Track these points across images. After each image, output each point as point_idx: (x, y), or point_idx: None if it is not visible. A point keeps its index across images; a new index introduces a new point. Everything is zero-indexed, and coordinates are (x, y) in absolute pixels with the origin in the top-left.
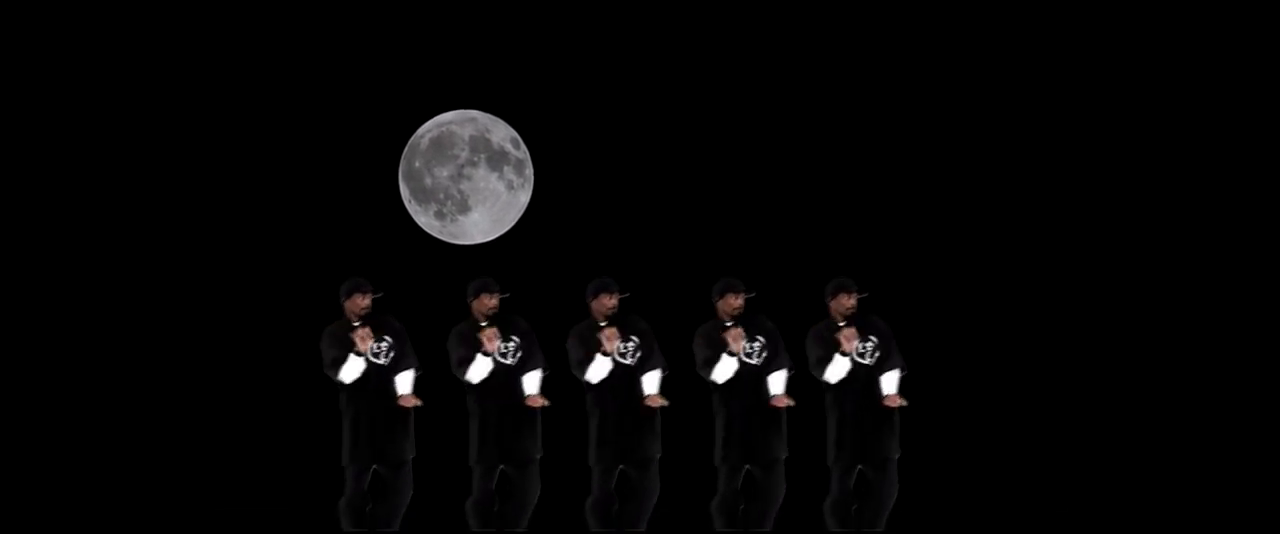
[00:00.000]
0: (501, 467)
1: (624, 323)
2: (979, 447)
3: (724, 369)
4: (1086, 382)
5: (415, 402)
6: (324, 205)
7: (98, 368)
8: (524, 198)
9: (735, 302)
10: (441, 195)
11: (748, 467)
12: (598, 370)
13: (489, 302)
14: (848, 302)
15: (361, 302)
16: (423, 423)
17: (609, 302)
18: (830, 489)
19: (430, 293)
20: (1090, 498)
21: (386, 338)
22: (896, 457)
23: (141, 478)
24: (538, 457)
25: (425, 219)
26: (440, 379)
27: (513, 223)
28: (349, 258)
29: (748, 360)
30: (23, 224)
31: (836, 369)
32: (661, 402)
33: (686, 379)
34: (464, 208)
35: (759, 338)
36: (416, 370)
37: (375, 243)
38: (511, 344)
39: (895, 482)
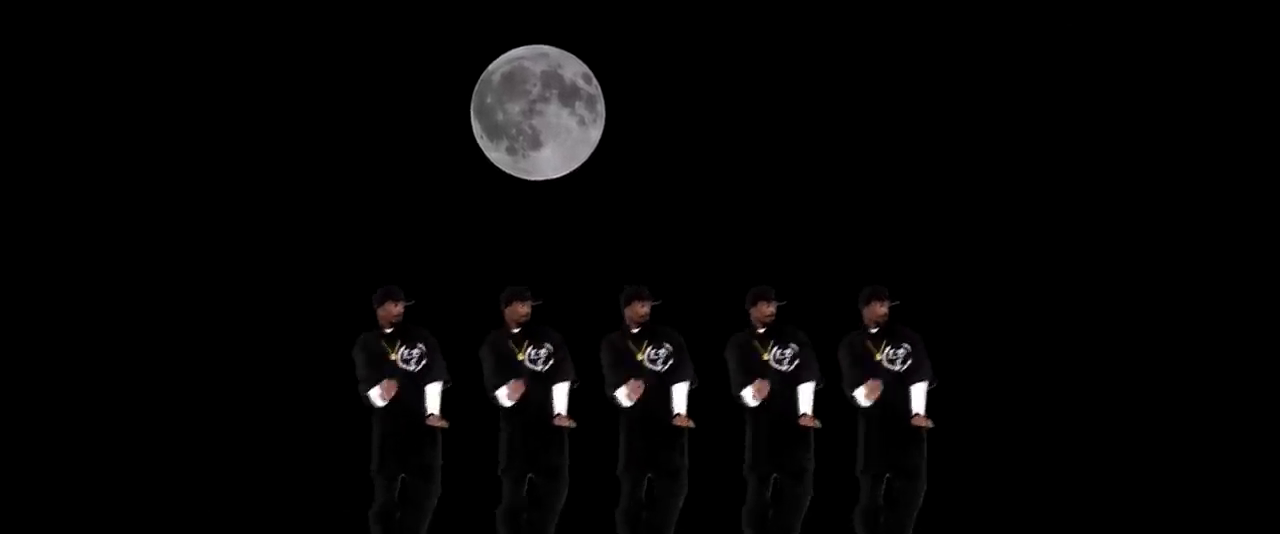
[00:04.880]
0: (530, 475)
1: (657, 333)
2: (1005, 455)
3: (750, 396)
4: (1113, 390)
5: (442, 423)
6: (396, 141)
7: (168, 319)
8: (595, 134)
9: (767, 309)
10: (513, 131)
11: (775, 474)
12: (624, 397)
13: (521, 309)
14: (880, 309)
15: (394, 309)
16: (452, 429)
17: (641, 309)
18: (859, 498)
19: (502, 229)
20: (1115, 505)
21: (419, 345)
22: (923, 466)
23: (166, 472)
24: (565, 465)
25: (497, 155)
26: (471, 384)
27: (584, 159)
28: (421, 194)
29: (778, 367)
30: (79, 207)
31: (860, 396)
32: (688, 422)
33: (717, 386)
34: (536, 144)
35: (791, 345)
36: (445, 383)
37: (447, 179)
38: (543, 352)
39: (922, 491)
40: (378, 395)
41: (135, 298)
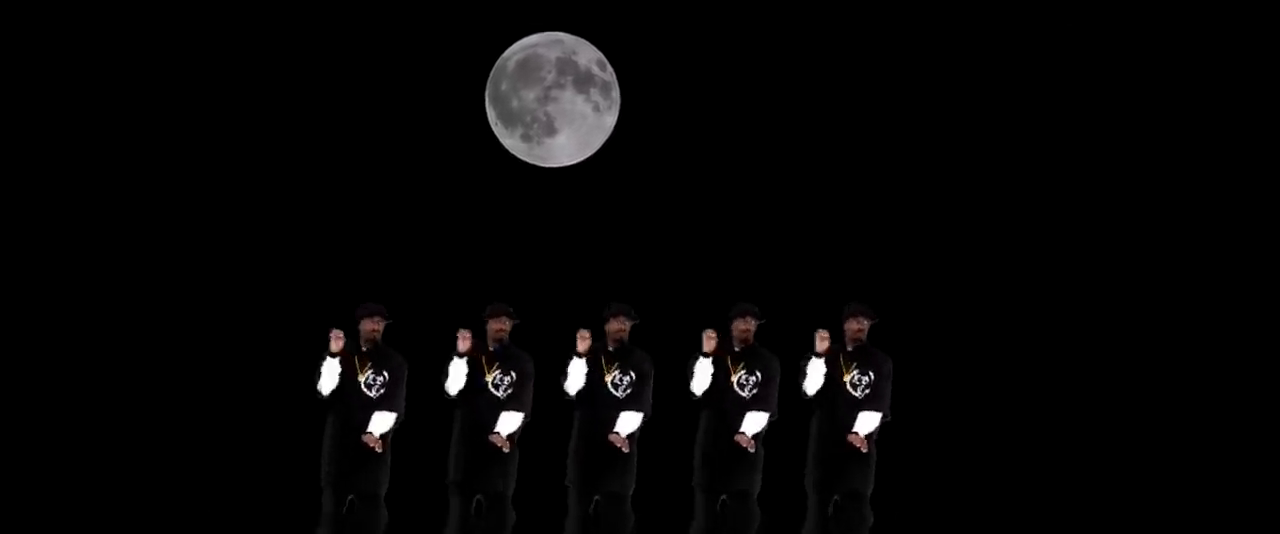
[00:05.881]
0: (477, 495)
1: (629, 358)
2: (958, 479)
3: (700, 378)
4: (1078, 406)
5: (377, 445)
6: (412, 128)
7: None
8: (610, 120)
9: (743, 326)
10: (528, 118)
11: (722, 495)
12: (574, 379)
13: (496, 327)
14: (855, 326)
15: (370, 327)
16: (404, 443)
17: (616, 327)
18: (807, 514)
19: (516, 215)
20: (1078, 525)
21: (384, 373)
22: (868, 491)
23: (149, 470)
24: (509, 491)
25: (511, 142)
26: (432, 400)
27: (599, 145)
28: (436, 181)
29: (739, 391)
30: (103, 201)
31: (812, 376)
32: (624, 444)
33: (675, 402)
34: (550, 130)
35: (757, 373)
36: (399, 417)
37: (462, 165)
38: (507, 379)
39: (868, 516)
40: (325, 381)
41: (146, 290)
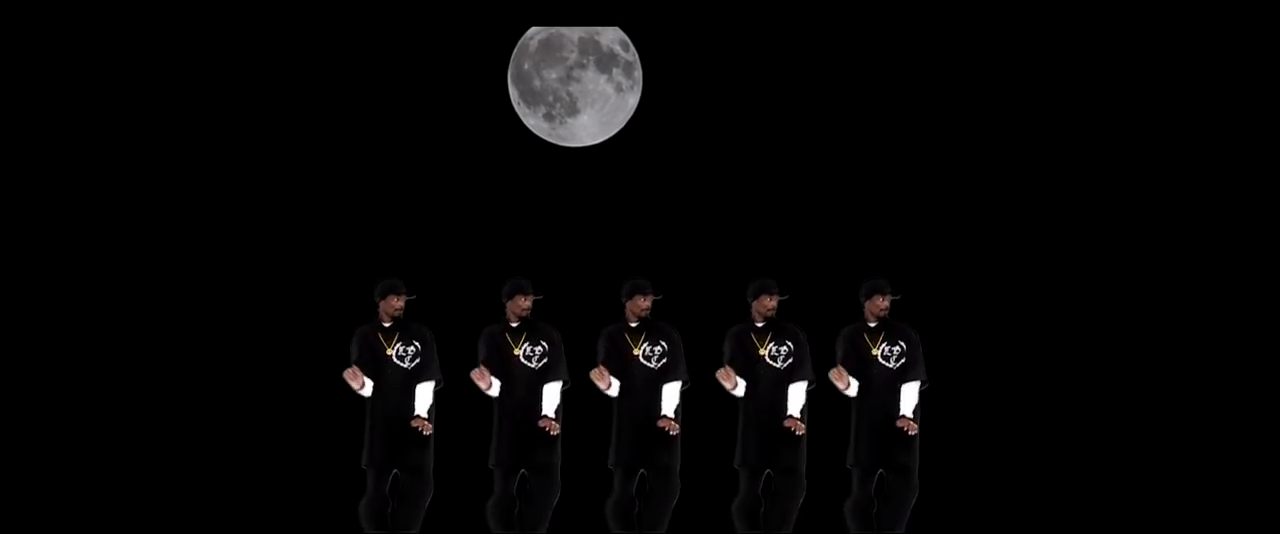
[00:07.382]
0: (521, 470)
1: (654, 329)
2: (999, 450)
3: (731, 388)
4: (1107, 384)
5: (427, 428)
6: (434, 108)
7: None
8: (633, 100)
9: (769, 303)
10: (550, 97)
11: (768, 470)
12: (612, 388)
13: (523, 303)
14: (882, 303)
15: (396, 303)
16: (445, 424)
17: (643, 303)
18: (851, 491)
19: (538, 195)
20: (1109, 500)
21: (414, 343)
22: (915, 462)
23: (158, 475)
24: (557, 461)
25: (534, 121)
26: (465, 380)
27: (621, 125)
28: (459, 160)
29: (773, 364)
30: (112, 199)
31: (851, 386)
32: (674, 427)
33: (712, 381)
34: (573, 110)
35: (787, 343)
36: (438, 383)
37: (484, 145)
38: (538, 349)
39: (915, 485)
40: (354, 384)
41: (171, 275)
